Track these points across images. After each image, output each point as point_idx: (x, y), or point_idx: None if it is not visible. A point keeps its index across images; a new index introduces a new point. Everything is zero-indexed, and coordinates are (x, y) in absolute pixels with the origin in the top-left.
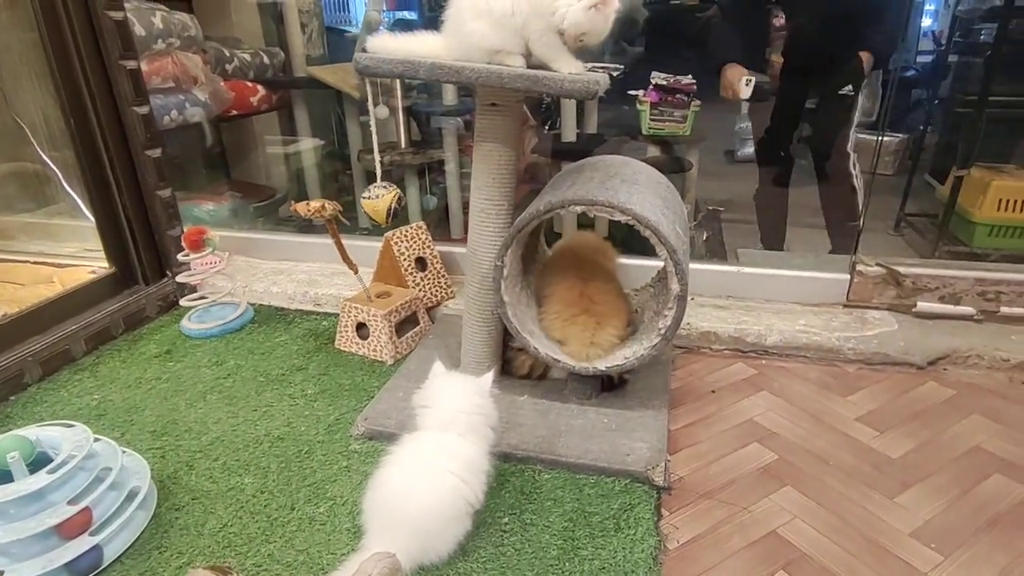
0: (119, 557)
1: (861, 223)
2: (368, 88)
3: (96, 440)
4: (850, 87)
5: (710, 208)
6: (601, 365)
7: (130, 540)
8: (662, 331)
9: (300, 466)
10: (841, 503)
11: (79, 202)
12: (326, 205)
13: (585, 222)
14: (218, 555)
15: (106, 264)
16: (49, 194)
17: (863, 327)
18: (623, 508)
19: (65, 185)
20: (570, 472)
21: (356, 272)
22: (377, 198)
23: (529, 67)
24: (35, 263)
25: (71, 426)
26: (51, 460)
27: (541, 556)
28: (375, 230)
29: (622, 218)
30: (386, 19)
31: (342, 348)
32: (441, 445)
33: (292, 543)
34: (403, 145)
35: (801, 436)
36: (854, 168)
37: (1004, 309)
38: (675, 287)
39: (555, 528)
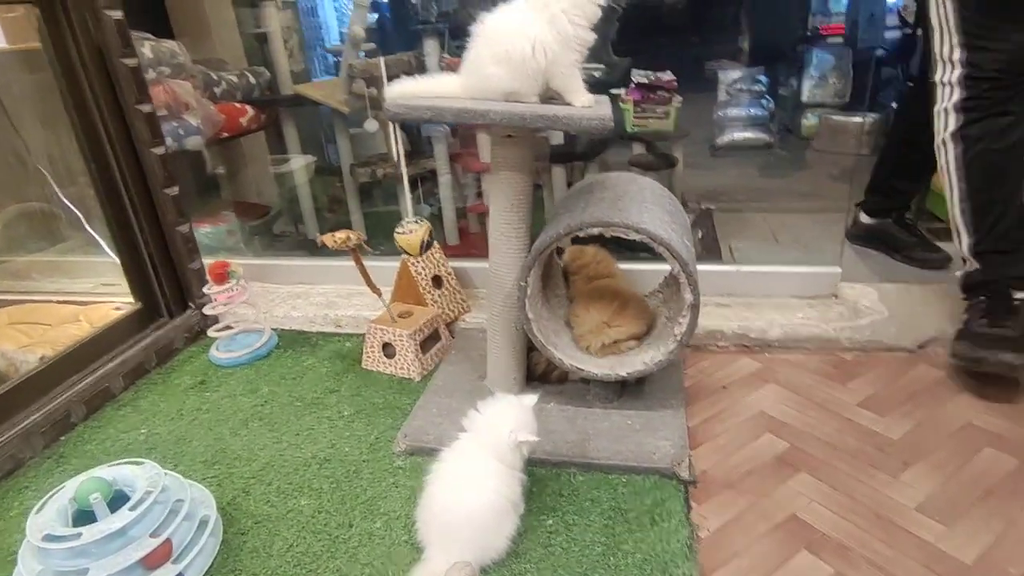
0: None
1: None
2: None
3: (166, 475)
4: None
5: (702, 208)
6: (623, 371)
7: (206, 566)
8: (678, 337)
9: (351, 485)
10: (851, 484)
11: (100, 241)
12: (351, 235)
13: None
14: (290, 573)
15: (130, 299)
16: (59, 232)
17: (856, 316)
18: (656, 503)
19: (87, 226)
20: (603, 473)
21: (380, 295)
22: (411, 233)
23: (542, 100)
24: (58, 302)
25: (141, 463)
26: (127, 498)
27: (587, 553)
28: (388, 251)
29: (636, 237)
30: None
31: (369, 368)
32: (475, 456)
33: (356, 558)
34: (395, 157)
35: (809, 424)
36: None
37: None
38: (688, 297)
39: (596, 526)
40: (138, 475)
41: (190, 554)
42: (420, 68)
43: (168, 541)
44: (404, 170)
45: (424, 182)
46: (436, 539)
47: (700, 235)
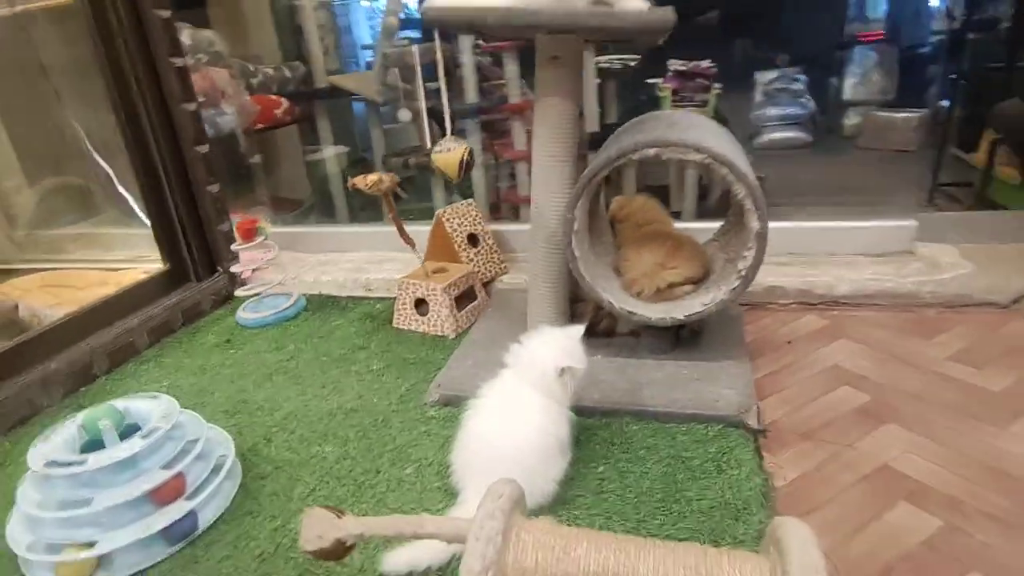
0: (213, 524)
1: None
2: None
3: (181, 413)
4: None
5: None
6: (680, 315)
7: (222, 508)
8: (742, 272)
9: (379, 434)
10: (951, 436)
11: (131, 201)
12: (383, 178)
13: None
14: None
15: (158, 266)
16: (95, 205)
17: (936, 271)
18: (721, 451)
19: (117, 185)
20: (658, 422)
21: (414, 247)
22: (449, 151)
23: None
24: (88, 269)
25: (156, 396)
26: (140, 431)
27: (645, 500)
28: (420, 216)
29: (697, 157)
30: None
31: (401, 326)
32: (522, 392)
33: (384, 502)
34: (428, 146)
35: (893, 377)
36: None
37: None
38: (755, 224)
39: (653, 474)
40: (152, 409)
41: (204, 492)
42: (453, 57)
43: (180, 475)
44: (443, 79)
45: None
46: (473, 481)
47: None
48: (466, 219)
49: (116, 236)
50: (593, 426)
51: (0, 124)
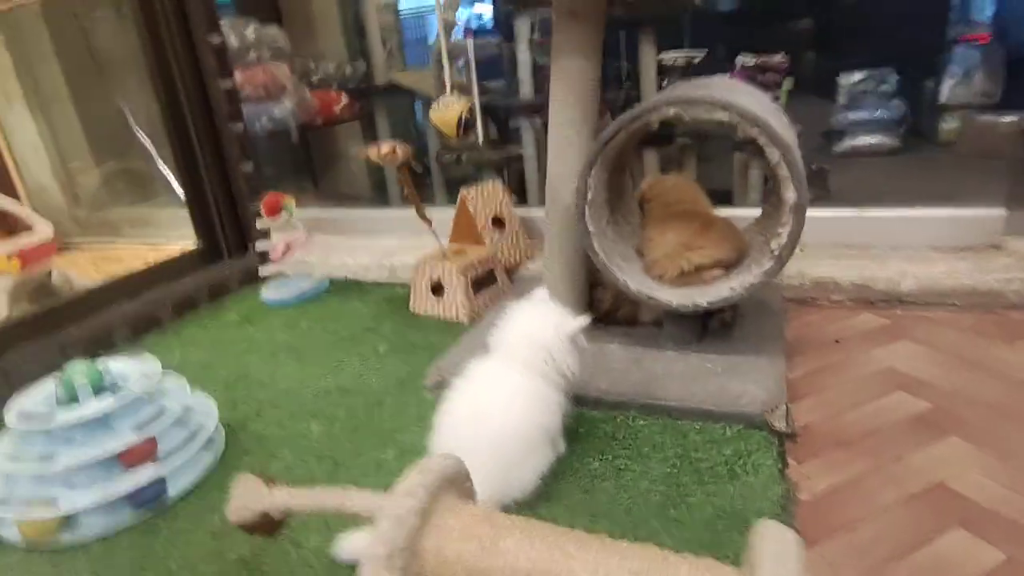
0: (184, 496)
1: None
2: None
3: (165, 378)
4: None
5: (814, 167)
6: (703, 300)
7: (195, 478)
8: (775, 252)
9: (369, 416)
10: None
11: (169, 176)
12: (397, 149)
13: None
14: None
15: (194, 242)
16: (153, 189)
17: None
18: (737, 454)
19: (160, 165)
20: (670, 418)
21: (431, 226)
22: (446, 107)
23: None
24: (132, 245)
25: (141, 359)
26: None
27: (640, 502)
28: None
29: (724, 115)
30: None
31: (417, 310)
32: (506, 374)
33: (358, 484)
34: (481, 142)
35: (961, 385)
36: None
37: None
38: (790, 195)
39: (655, 474)
40: (134, 370)
41: (176, 460)
42: (510, 51)
43: (152, 439)
44: (444, 44)
45: (510, 168)
46: None
47: (811, 198)
48: (491, 201)
49: (168, 217)
50: (596, 418)
51: (72, 108)
